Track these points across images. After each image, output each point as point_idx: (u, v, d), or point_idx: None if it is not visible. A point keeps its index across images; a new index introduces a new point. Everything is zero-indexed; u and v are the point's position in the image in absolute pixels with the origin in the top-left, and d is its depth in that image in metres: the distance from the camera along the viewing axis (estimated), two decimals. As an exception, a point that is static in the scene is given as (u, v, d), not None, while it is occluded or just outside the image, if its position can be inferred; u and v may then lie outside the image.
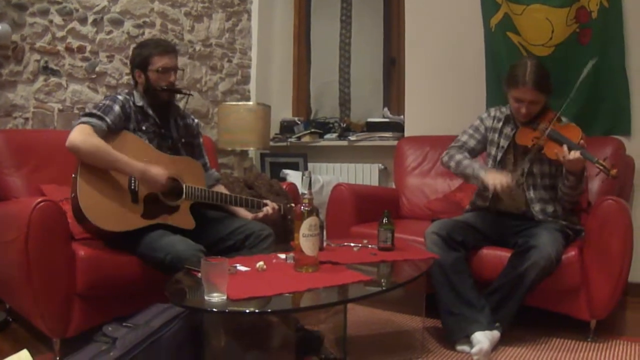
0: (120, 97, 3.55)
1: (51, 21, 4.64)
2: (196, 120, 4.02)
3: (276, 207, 3.89)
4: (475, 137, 4.03)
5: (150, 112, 3.66)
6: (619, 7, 4.60)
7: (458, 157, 3.95)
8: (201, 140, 4.02)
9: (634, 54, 4.62)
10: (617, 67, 4.62)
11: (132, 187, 3.40)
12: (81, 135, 3.28)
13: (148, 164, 3.42)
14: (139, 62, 3.66)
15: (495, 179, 3.65)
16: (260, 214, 3.83)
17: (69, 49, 4.79)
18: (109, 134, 3.38)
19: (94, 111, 3.40)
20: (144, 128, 3.61)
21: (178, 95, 3.79)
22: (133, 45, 5.09)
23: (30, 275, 3.05)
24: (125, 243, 3.39)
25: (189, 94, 3.88)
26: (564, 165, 3.59)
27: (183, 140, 3.83)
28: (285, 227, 4.04)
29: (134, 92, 3.67)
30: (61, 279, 3.16)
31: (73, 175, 3.30)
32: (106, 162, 3.32)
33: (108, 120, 3.39)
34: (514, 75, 3.73)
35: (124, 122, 3.51)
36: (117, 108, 3.47)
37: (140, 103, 3.63)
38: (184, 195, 3.58)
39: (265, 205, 3.87)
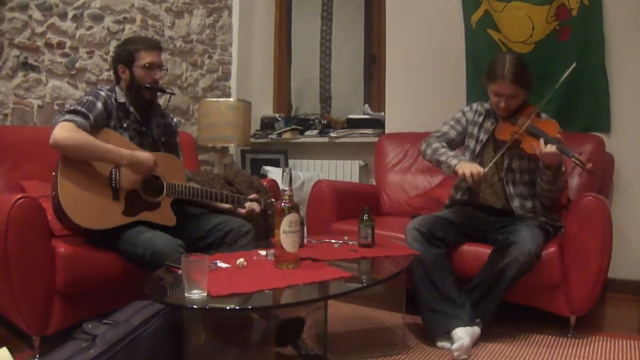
0: (102, 93, 3.52)
1: (30, 16, 4.60)
2: (175, 120, 4.00)
3: (260, 205, 3.89)
4: (456, 128, 4.04)
5: (131, 109, 3.64)
6: (599, 5, 4.63)
7: (435, 145, 3.95)
8: (178, 139, 4.00)
9: (614, 51, 4.65)
10: (596, 65, 4.65)
11: (113, 185, 3.38)
12: (65, 131, 3.25)
13: (134, 150, 3.42)
14: (125, 57, 3.63)
15: (466, 168, 3.66)
16: (243, 211, 3.82)
17: (48, 45, 4.75)
18: (90, 131, 3.36)
19: (78, 108, 3.37)
20: (124, 125, 3.59)
21: (159, 94, 3.78)
22: (114, 41, 5.12)
23: (9, 273, 3.03)
24: (106, 240, 3.38)
25: (172, 93, 3.87)
26: (540, 160, 3.61)
27: (163, 139, 3.81)
28: (265, 222, 4.03)
29: (116, 89, 3.64)
30: (41, 276, 3.14)
31: (53, 174, 3.28)
32: (92, 153, 3.31)
33: (91, 118, 3.37)
34: (493, 69, 3.75)
35: (105, 119, 3.49)
36: (99, 105, 3.45)
37: (122, 100, 3.60)
38: (165, 192, 3.57)
39: (247, 200, 3.86)
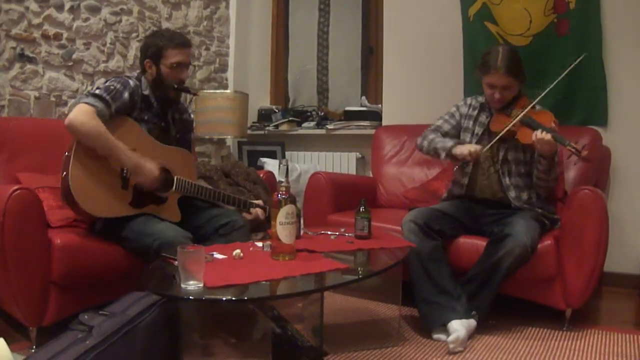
0: (131, 83, 3.49)
1: (27, 8, 4.59)
2: (192, 115, 3.98)
3: (265, 213, 3.87)
4: (450, 122, 4.08)
5: (154, 103, 3.62)
6: (597, -2, 4.63)
7: (431, 136, 4.01)
8: (192, 135, 3.99)
9: (611, 44, 4.65)
10: (594, 58, 4.63)
11: (124, 174, 3.36)
12: (83, 116, 3.22)
13: (144, 157, 3.39)
14: (153, 52, 3.58)
15: (464, 148, 3.73)
16: (250, 217, 3.80)
17: (45, 36, 4.74)
18: (109, 120, 3.33)
19: (104, 95, 3.32)
20: (145, 118, 3.57)
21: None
22: (111, 33, 5.11)
23: (5, 264, 3.04)
24: (110, 227, 3.39)
25: (195, 94, 3.86)
26: (535, 148, 3.62)
27: (178, 135, 3.80)
28: (266, 228, 4.02)
29: (142, 79, 3.61)
30: (37, 267, 3.15)
31: (66, 154, 3.26)
32: (103, 147, 3.27)
33: (113, 107, 3.34)
34: (487, 61, 3.78)
35: (129, 109, 3.47)
36: (126, 95, 3.42)
37: (146, 92, 3.58)
38: (174, 187, 3.56)
39: (254, 206, 3.85)
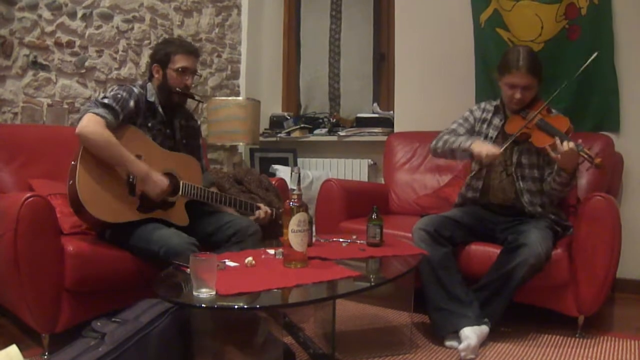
0: (135, 91, 3.55)
1: (40, 16, 4.62)
2: (199, 122, 4.02)
3: (269, 211, 3.90)
4: (464, 125, 4.05)
5: (159, 109, 3.67)
6: (608, 4, 4.61)
7: (446, 137, 3.99)
8: (201, 141, 4.03)
9: (623, 50, 4.64)
10: (606, 64, 4.63)
11: (131, 180, 3.41)
12: (94, 126, 3.27)
13: (152, 169, 3.43)
14: (160, 57, 3.67)
15: (482, 148, 3.70)
16: (252, 217, 3.83)
17: (58, 44, 4.77)
18: (116, 128, 3.38)
19: (113, 104, 3.38)
20: (149, 125, 3.61)
21: (189, 100, 3.82)
22: (123, 40, 5.14)
23: (19, 271, 3.05)
24: (118, 235, 3.41)
25: (201, 101, 3.91)
26: (556, 161, 3.59)
27: (184, 141, 3.84)
28: (275, 230, 4.03)
29: (148, 86, 3.67)
30: (50, 274, 3.15)
31: (73, 163, 3.29)
32: (112, 157, 3.33)
33: (121, 117, 3.40)
34: (507, 61, 3.77)
35: (133, 116, 3.52)
36: (131, 103, 3.48)
37: (151, 99, 3.63)
38: (180, 192, 3.59)
39: (258, 208, 3.89)
